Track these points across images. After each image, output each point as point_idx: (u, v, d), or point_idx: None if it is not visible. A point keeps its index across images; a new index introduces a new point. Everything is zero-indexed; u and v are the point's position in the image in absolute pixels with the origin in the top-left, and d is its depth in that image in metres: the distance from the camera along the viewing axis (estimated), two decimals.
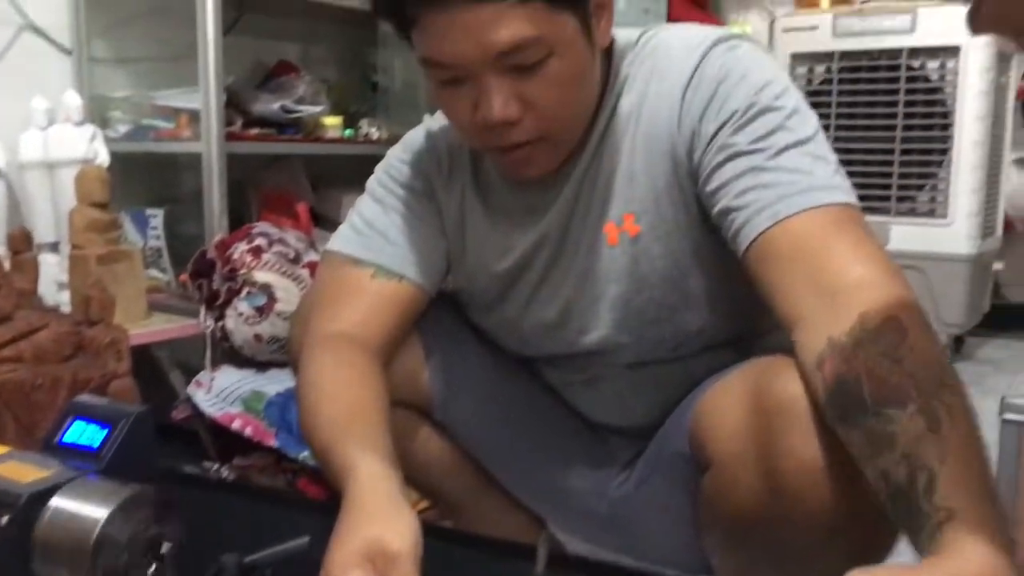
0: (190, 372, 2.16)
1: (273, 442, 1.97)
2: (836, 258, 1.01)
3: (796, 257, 1.03)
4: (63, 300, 2.14)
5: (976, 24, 0.63)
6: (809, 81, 3.35)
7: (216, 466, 2.04)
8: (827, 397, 0.93)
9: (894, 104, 3.21)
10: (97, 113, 2.46)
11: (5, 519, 1.01)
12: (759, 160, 1.08)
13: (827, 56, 3.31)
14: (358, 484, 0.95)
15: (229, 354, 2.11)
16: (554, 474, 1.40)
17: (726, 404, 1.11)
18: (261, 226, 2.18)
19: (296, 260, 2.15)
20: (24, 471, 1.09)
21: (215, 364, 2.12)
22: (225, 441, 2.06)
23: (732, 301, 1.23)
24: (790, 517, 1.00)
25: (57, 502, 1.03)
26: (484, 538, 1.10)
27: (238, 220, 2.37)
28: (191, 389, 2.06)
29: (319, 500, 1.42)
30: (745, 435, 1.05)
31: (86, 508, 1.01)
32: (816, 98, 3.25)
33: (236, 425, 1.98)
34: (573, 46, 1.09)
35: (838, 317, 0.95)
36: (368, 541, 0.87)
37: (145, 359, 1.92)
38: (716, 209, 1.11)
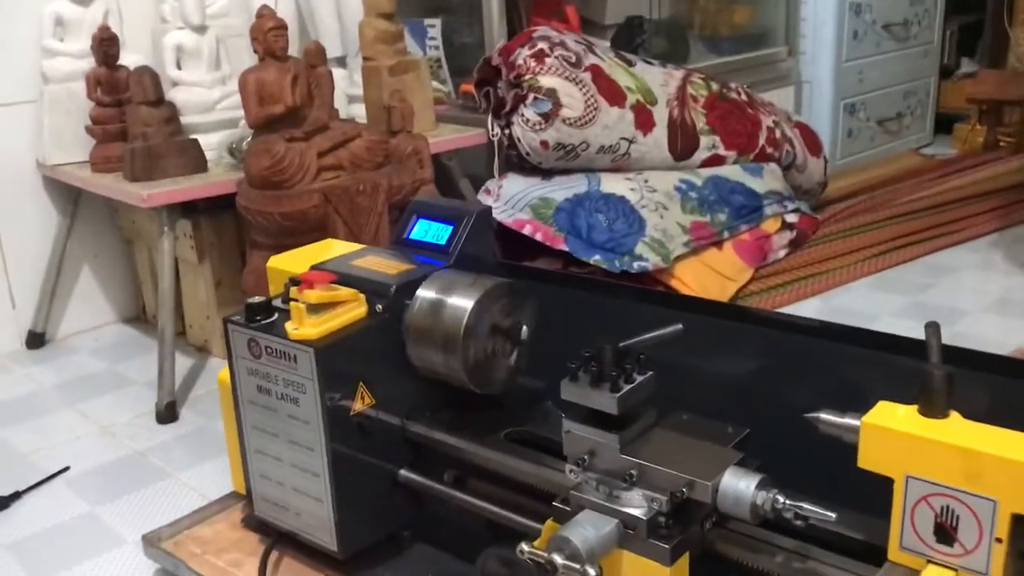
0: (475, 181, 2.21)
1: (563, 246, 2.00)
2: None
3: None
4: (355, 112, 2.22)
5: None
6: None
7: None
8: None
9: None
10: None
11: (379, 307, 1.08)
12: None
13: None
14: None
15: (515, 162, 2.13)
16: None
17: None
18: (541, 30, 2.15)
19: (577, 64, 2.11)
20: (386, 264, 1.16)
21: (501, 172, 2.15)
22: (512, 246, 2.12)
23: None
24: None
25: (424, 292, 1.08)
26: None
27: (509, 26, 2.34)
28: (481, 196, 2.11)
29: (656, 291, 1.43)
30: None
31: (452, 298, 1.06)
32: None
33: (527, 230, 2.02)
34: None
35: None
36: None
37: (435, 168, 1.97)
38: None
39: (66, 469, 1.55)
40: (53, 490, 1.50)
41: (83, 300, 2.18)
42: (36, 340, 2.08)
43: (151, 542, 1.24)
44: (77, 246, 2.13)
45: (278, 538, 1.16)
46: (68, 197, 2.05)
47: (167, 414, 1.69)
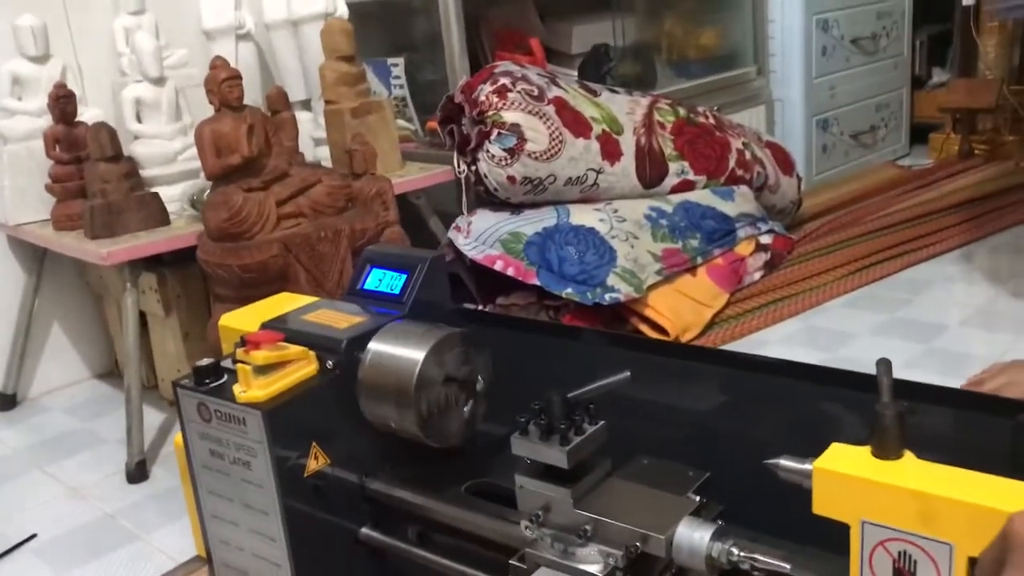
0: (445, 218, 2.19)
1: (535, 280, 1.98)
2: None
3: None
4: (321, 155, 2.21)
5: None
6: None
7: (479, 307, 2.09)
8: None
9: None
10: None
11: (330, 363, 1.06)
12: None
13: None
14: None
15: (483, 198, 2.12)
16: None
17: None
18: (503, 65, 2.14)
19: (540, 97, 2.10)
20: (338, 318, 1.14)
21: (470, 208, 2.14)
22: (486, 282, 2.10)
23: None
24: None
25: (375, 346, 1.06)
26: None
27: (473, 61, 2.33)
28: (451, 234, 2.09)
29: (620, 334, 1.41)
30: None
31: (403, 351, 1.04)
32: None
33: (499, 266, 2.00)
34: None
35: None
36: None
37: (403, 207, 1.96)
38: None
39: (33, 536, 1.52)
40: (19, 559, 1.47)
41: (54, 358, 2.15)
42: (7, 401, 2.06)
43: None
44: (46, 304, 2.11)
45: None
46: (33, 255, 2.03)
47: (137, 473, 1.67)
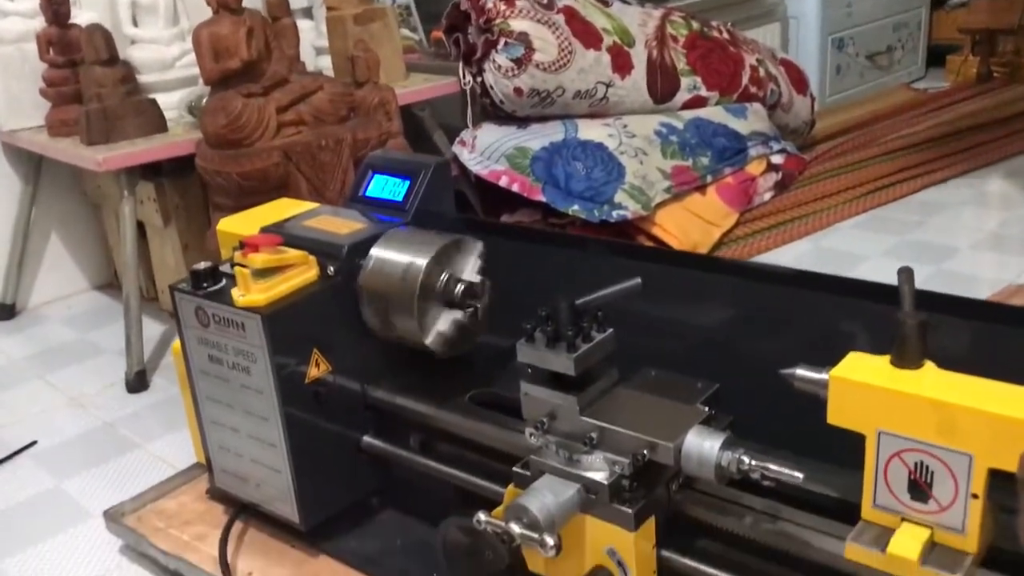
0: (450, 131, 2.14)
1: (540, 197, 1.94)
2: None
3: None
4: (322, 65, 2.15)
5: None
6: None
7: None
8: None
9: None
10: None
11: (331, 269, 1.03)
12: None
13: None
14: None
15: (489, 111, 2.07)
16: None
17: None
18: None
19: (549, 6, 2.03)
20: (339, 224, 1.10)
21: (476, 122, 2.08)
22: (490, 198, 2.06)
23: None
24: None
25: (378, 252, 1.03)
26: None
27: None
28: (455, 148, 2.05)
29: (626, 243, 1.38)
30: None
31: (406, 256, 1.01)
32: None
33: (503, 182, 1.96)
34: None
35: None
36: None
37: (407, 119, 1.91)
38: None
39: (33, 443, 1.51)
40: (19, 465, 1.46)
41: (53, 268, 2.13)
42: (6, 311, 2.04)
43: (113, 517, 1.20)
44: (43, 213, 2.07)
45: (240, 510, 1.13)
46: (29, 163, 1.99)
47: (137, 383, 1.65)
